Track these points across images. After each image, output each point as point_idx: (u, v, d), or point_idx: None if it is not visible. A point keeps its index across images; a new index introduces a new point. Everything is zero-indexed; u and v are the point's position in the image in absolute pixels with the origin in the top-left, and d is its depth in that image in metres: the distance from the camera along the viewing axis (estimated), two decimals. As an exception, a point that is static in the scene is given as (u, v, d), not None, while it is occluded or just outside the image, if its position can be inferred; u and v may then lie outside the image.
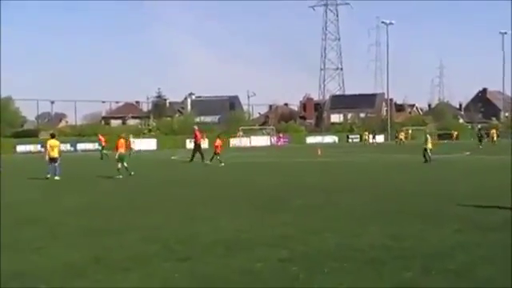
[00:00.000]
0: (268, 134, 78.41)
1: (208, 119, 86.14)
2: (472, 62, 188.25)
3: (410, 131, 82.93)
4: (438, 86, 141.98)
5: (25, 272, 7.68)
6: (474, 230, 10.03)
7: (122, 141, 23.97)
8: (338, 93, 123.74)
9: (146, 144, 60.92)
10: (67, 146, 51.02)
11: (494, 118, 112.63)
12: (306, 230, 10.36)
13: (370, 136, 75.67)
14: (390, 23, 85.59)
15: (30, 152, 52.34)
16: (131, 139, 37.72)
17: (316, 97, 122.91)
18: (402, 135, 70.30)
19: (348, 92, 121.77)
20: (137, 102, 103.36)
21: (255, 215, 12.33)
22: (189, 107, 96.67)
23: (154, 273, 7.53)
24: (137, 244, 9.31)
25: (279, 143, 73.25)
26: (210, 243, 9.23)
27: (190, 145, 39.66)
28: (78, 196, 16.82)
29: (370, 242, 9.16)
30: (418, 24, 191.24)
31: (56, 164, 22.66)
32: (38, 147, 52.13)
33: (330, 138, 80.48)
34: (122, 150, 23.44)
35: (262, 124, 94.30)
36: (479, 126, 77.56)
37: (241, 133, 73.52)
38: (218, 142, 31.34)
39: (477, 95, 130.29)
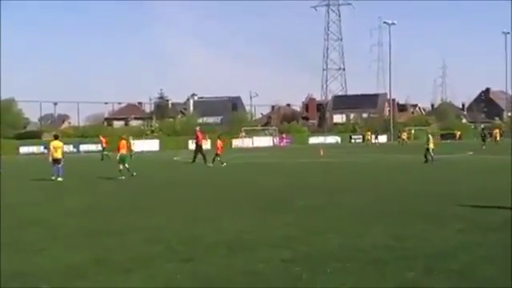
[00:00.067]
0: (270, 134, 78.42)
1: (210, 120, 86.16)
2: (475, 62, 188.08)
3: (412, 131, 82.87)
4: (440, 86, 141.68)
5: (27, 273, 7.69)
6: (476, 230, 10.01)
7: (123, 142, 24.01)
8: (340, 93, 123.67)
9: (149, 145, 60.97)
10: (70, 148, 51.08)
11: (497, 118, 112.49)
12: (309, 230, 10.35)
13: (373, 136, 75.64)
14: (392, 23, 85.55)
15: (33, 153, 52.43)
16: (131, 141, 37.69)
17: (318, 97, 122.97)
18: (404, 135, 70.24)
19: (350, 92, 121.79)
20: (139, 103, 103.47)
21: (258, 216, 12.32)
22: (191, 108, 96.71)
23: (157, 274, 7.52)
24: (139, 245, 9.30)
25: (282, 144, 73.24)
26: (213, 244, 9.22)
27: (192, 146, 39.69)
28: (80, 197, 16.83)
29: (373, 242, 9.14)
30: (421, 24, 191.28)
31: (59, 165, 22.69)
32: (41, 149, 52.22)
33: (332, 139, 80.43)
34: (123, 151, 23.47)
35: (264, 125, 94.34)
36: (482, 126, 77.50)
37: (243, 133, 73.55)
38: (219, 142, 31.38)
39: (480, 95, 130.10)
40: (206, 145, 36.65)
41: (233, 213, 12.88)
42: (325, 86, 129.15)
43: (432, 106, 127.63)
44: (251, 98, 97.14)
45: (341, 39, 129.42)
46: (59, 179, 22.12)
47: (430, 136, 31.29)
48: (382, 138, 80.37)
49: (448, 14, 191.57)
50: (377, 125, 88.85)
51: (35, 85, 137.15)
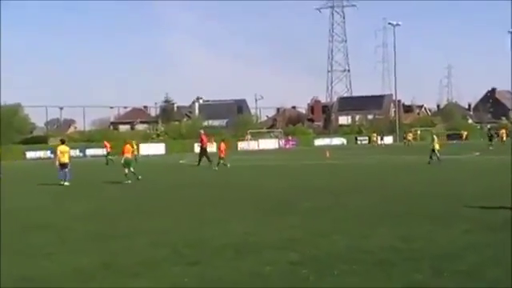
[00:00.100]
0: (276, 137, 78.37)
1: (216, 123, 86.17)
2: (480, 62, 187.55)
3: (418, 132, 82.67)
4: (446, 87, 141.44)
5: (35, 277, 7.72)
6: (484, 231, 9.99)
7: (128, 146, 24.03)
8: (345, 95, 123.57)
9: (155, 148, 61.07)
10: (76, 152, 51.13)
11: (503, 118, 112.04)
12: (315, 232, 10.35)
13: (378, 137, 75.51)
14: (397, 24, 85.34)
15: (40, 158, 52.56)
16: (134, 145, 37.76)
17: (324, 99, 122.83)
18: (410, 136, 70.08)
19: (355, 94, 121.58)
20: (145, 107, 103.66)
21: (264, 218, 12.33)
22: (196, 111, 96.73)
23: (164, 277, 7.54)
24: (145, 248, 9.33)
25: (288, 146, 73.21)
26: (219, 247, 9.23)
27: (198, 149, 39.75)
28: (87, 201, 16.88)
29: (380, 243, 9.14)
30: (425, 24, 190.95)
31: (66, 170, 22.78)
32: (48, 153, 52.35)
33: (338, 140, 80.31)
34: (127, 155, 23.50)
35: (269, 127, 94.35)
36: (488, 126, 77.20)
37: (249, 136, 73.55)
38: (222, 145, 31.49)
39: (485, 95, 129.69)
40: (212, 148, 36.64)
41: (239, 215, 12.89)
42: (330, 88, 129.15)
43: (438, 106, 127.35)
44: (256, 100, 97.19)
45: (345, 41, 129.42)
46: (66, 183, 22.19)
47: (434, 137, 31.25)
48: (388, 139, 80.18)
49: (453, 14, 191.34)
50: (382, 126, 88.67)
51: (41, 90, 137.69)
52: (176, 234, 10.58)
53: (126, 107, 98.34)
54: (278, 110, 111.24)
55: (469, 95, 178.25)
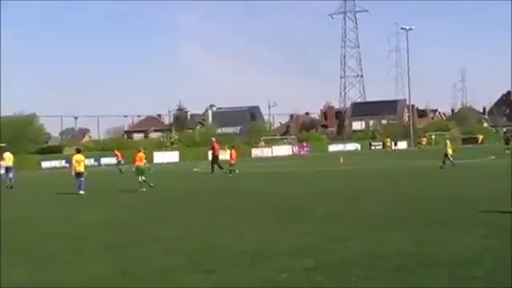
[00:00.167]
0: (290, 143, 78.31)
1: (229, 130, 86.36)
2: (495, 65, 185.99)
3: (433, 137, 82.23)
4: (460, 91, 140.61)
5: (52, 286, 7.77)
6: (500, 236, 9.87)
7: (140, 154, 24.07)
8: (358, 100, 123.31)
9: (169, 156, 61.32)
10: (91, 161, 51.46)
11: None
12: (330, 238, 10.33)
13: (392, 143, 75.20)
14: (410, 29, 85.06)
15: (55, 168, 52.95)
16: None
17: (337, 105, 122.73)
18: (424, 141, 69.74)
19: (369, 99, 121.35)
20: (158, 115, 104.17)
21: (278, 225, 12.32)
22: (210, 119, 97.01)
23: (180, 285, 7.55)
24: (160, 256, 9.34)
25: (302, 152, 73.12)
26: (234, 254, 9.24)
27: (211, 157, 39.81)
28: (101, 210, 16.97)
29: (395, 249, 9.09)
30: (439, 28, 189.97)
31: (81, 179, 22.94)
32: (63, 163, 52.73)
33: (352, 146, 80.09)
34: (139, 163, 23.55)
35: (283, 134, 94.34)
36: (504, 130, 76.61)
37: (262, 143, 73.57)
38: (233, 152, 31.56)
39: (501, 98, 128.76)
40: (225, 155, 36.70)
41: (253, 222, 12.89)
42: (343, 94, 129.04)
43: (452, 110, 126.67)
44: (269, 107, 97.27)
45: (358, 46, 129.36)
46: (81, 192, 22.34)
47: (447, 141, 31.10)
48: (402, 144, 79.85)
49: (466, 18, 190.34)
50: (396, 131, 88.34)
51: (55, 99, 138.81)
52: (191, 242, 10.60)
53: (139, 116, 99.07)
54: (292, 116, 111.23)
55: (484, 99, 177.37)
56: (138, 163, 23.65)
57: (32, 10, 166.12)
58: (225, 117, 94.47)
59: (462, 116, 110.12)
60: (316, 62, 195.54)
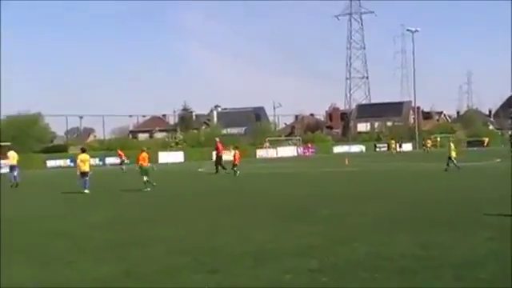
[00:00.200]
0: (294, 144, 78.28)
1: (234, 131, 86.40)
2: (501, 68, 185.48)
3: (438, 139, 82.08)
4: (466, 93, 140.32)
5: (56, 286, 7.78)
6: (505, 238, 9.82)
7: (143, 154, 24.11)
8: (364, 102, 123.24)
9: (174, 157, 61.43)
10: (96, 161, 51.60)
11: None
12: (335, 239, 10.30)
13: (397, 145, 75.09)
14: (416, 31, 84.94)
15: (60, 167, 53.11)
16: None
17: (342, 106, 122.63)
18: (429, 143, 69.59)
19: (374, 100, 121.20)
20: (163, 116, 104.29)
21: (283, 225, 12.31)
22: (215, 119, 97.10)
23: (184, 286, 7.54)
24: (165, 256, 9.34)
25: (306, 153, 73.07)
26: (239, 254, 9.22)
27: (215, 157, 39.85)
28: (105, 209, 16.99)
29: (400, 250, 9.07)
30: (444, 30, 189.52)
31: (86, 178, 23.00)
32: (68, 162, 52.90)
33: (357, 148, 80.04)
34: (143, 163, 23.58)
35: (288, 134, 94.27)
36: (510, 133, 76.33)
37: (267, 144, 73.56)
38: (237, 153, 31.57)
39: (507, 101, 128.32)
40: (230, 155, 36.73)
41: (257, 223, 12.88)
42: (348, 95, 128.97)
43: (458, 113, 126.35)
44: (275, 108, 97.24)
45: (364, 47, 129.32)
46: (86, 191, 22.39)
47: (451, 144, 31.03)
48: (407, 146, 79.72)
49: (472, 20, 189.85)
50: (401, 133, 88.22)
51: (61, 99, 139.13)
52: (195, 242, 10.60)
53: (144, 116, 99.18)
54: (297, 117, 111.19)
55: (489, 101, 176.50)
56: (141, 163, 23.69)
57: (38, 10, 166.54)
58: (230, 117, 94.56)
59: (467, 118, 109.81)
60: (321, 64, 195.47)
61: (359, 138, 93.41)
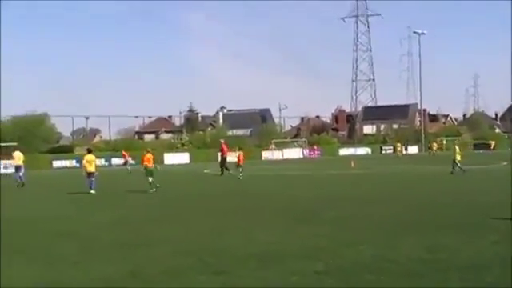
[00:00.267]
0: (300, 146, 78.23)
1: (240, 132, 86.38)
2: (508, 71, 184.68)
3: (444, 142, 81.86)
4: (472, 96, 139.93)
5: (63, 286, 7.79)
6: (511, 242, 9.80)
7: (148, 155, 24.12)
8: (370, 104, 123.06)
9: (179, 158, 61.47)
10: (102, 161, 51.73)
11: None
12: (340, 241, 10.28)
13: (403, 147, 74.91)
14: (422, 33, 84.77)
15: (66, 167, 53.27)
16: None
17: (348, 108, 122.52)
18: (434, 146, 69.43)
19: (380, 103, 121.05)
20: (169, 117, 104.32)
21: (288, 227, 12.29)
22: (221, 121, 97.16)
23: (189, 287, 7.54)
24: (170, 257, 9.34)
25: (313, 155, 73.01)
26: (244, 256, 9.22)
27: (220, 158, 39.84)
28: (111, 210, 17.02)
29: (406, 253, 9.04)
30: (451, 33, 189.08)
31: (93, 178, 23.06)
32: (74, 162, 53.04)
33: (362, 150, 79.91)
34: (148, 164, 23.60)
35: (293, 136, 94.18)
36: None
37: (273, 146, 73.54)
38: (240, 154, 31.55)
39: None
40: (235, 157, 36.74)
41: (263, 224, 12.87)
42: (354, 97, 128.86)
43: (464, 115, 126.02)
44: (280, 110, 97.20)
45: (370, 50, 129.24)
46: (92, 191, 22.46)
47: (456, 147, 30.96)
48: (413, 149, 79.54)
49: (479, 23, 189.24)
50: (407, 135, 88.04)
51: (67, 99, 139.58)
52: (200, 243, 10.60)
53: (150, 117, 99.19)
54: (302, 119, 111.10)
55: (496, 104, 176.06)
56: (146, 164, 23.73)
57: (42, 10, 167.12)
58: (235, 119, 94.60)
59: (473, 121, 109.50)
60: (328, 66, 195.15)
61: (365, 140, 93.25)
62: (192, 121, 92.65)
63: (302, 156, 72.33)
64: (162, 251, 9.87)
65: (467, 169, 29.47)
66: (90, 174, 23.19)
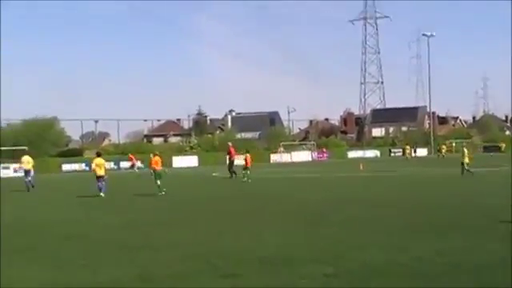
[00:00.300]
0: (309, 149, 78.14)
1: (249, 135, 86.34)
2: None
3: (453, 144, 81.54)
4: (482, 98, 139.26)
5: (70, 289, 7.80)
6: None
7: (156, 158, 24.13)
8: (378, 106, 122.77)
9: (188, 161, 61.53)
10: (111, 165, 51.83)
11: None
12: (350, 244, 10.23)
13: (412, 150, 74.64)
14: (431, 35, 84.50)
15: (76, 171, 53.43)
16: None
17: (357, 111, 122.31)
18: (443, 148, 69.16)
19: (389, 105, 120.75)
20: (178, 120, 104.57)
21: (297, 230, 12.25)
22: (229, 124, 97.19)
23: (198, 289, 7.52)
24: (179, 260, 9.31)
25: (321, 158, 72.89)
26: (253, 259, 9.18)
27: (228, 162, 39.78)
28: (120, 213, 17.03)
29: (416, 256, 8.97)
30: (460, 35, 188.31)
31: (103, 182, 23.13)
32: (83, 166, 53.22)
33: (371, 153, 79.70)
34: (156, 167, 23.60)
35: (302, 139, 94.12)
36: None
37: (281, 148, 73.50)
38: (247, 156, 31.52)
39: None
40: (242, 160, 36.72)
41: (272, 227, 12.82)
42: (363, 100, 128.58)
43: (474, 118, 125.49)
44: (289, 112, 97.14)
45: (378, 52, 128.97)
46: (101, 194, 22.54)
47: (464, 150, 30.81)
48: (422, 152, 79.23)
49: (488, 25, 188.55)
50: (416, 138, 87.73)
51: (76, 103, 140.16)
52: (209, 246, 10.57)
53: (159, 120, 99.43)
54: (311, 122, 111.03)
55: (506, 106, 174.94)
56: (154, 167, 23.75)
57: (46, 10, 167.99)
58: (244, 122, 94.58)
59: (483, 124, 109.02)
60: (336, 68, 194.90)
61: (374, 143, 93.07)
62: (201, 124, 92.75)
63: (310, 159, 72.22)
64: (171, 254, 9.84)
65: (477, 171, 29.29)
66: (99, 178, 23.25)
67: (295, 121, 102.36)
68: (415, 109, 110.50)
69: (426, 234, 11.13)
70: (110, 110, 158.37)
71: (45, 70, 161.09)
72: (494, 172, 33.24)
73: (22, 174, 30.62)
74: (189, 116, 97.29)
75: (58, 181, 38.80)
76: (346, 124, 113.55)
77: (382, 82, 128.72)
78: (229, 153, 35.19)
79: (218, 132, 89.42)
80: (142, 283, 7.89)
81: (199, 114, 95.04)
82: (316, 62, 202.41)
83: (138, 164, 48.20)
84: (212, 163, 59.28)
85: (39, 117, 65.22)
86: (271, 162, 66.87)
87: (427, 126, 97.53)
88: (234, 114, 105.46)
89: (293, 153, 73.24)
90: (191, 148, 73.27)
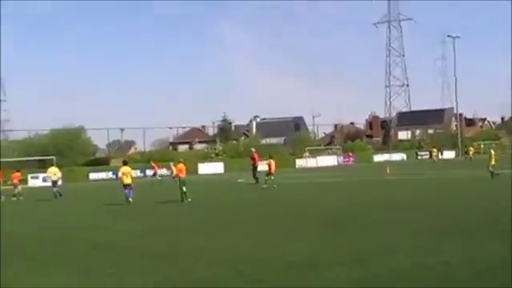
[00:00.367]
0: (334, 153, 77.80)
1: (274, 141, 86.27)
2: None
3: (481, 146, 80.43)
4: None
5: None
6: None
7: (180, 165, 24.20)
8: (404, 109, 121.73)
9: (214, 168, 61.73)
10: (137, 173, 52.25)
11: None
12: (377, 248, 10.14)
13: (439, 152, 73.83)
14: (457, 37, 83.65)
15: (103, 179, 53.95)
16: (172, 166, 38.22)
17: (382, 114, 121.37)
18: (471, 150, 68.29)
19: (415, 108, 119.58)
20: (203, 127, 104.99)
21: (324, 235, 12.19)
22: (254, 130, 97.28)
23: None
24: (205, 267, 9.32)
25: (348, 162, 72.51)
26: (279, 264, 9.15)
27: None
28: (146, 220, 17.12)
29: (443, 260, 8.86)
30: (485, 35, 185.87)
31: (130, 189, 23.40)
32: (110, 174, 53.70)
33: (398, 156, 79.03)
34: (181, 175, 23.68)
35: (327, 144, 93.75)
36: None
37: (307, 153, 73.29)
38: (271, 162, 31.40)
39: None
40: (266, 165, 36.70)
41: (299, 232, 12.78)
42: (388, 103, 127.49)
43: (502, 119, 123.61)
44: (314, 117, 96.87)
45: (403, 55, 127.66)
46: (130, 199, 22.87)
47: (491, 151, 30.39)
48: (450, 154, 78.33)
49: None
50: (443, 140, 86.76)
51: (102, 112, 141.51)
52: (235, 252, 10.56)
53: (184, 127, 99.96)
54: (336, 126, 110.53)
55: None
56: (179, 174, 23.85)
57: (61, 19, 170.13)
58: (269, 127, 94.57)
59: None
60: (360, 72, 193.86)
61: (400, 146, 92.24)
62: (225, 130, 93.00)
63: (336, 163, 71.89)
64: (199, 261, 9.85)
65: (504, 173, 28.83)
66: (126, 186, 23.47)
67: (320, 125, 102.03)
68: (441, 111, 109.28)
69: (454, 238, 10.98)
70: (135, 119, 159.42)
71: (69, 78, 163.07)
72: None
73: (50, 183, 31.11)
74: (213, 123, 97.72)
75: (85, 190, 39.22)
76: (371, 128, 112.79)
77: (408, 85, 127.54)
78: (252, 158, 35.17)
79: (242, 138, 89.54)
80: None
81: (224, 120, 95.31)
82: (340, 66, 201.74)
83: (162, 171, 48.48)
84: (237, 169, 59.36)
85: (66, 126, 66.11)
86: (296, 167, 66.71)
87: (454, 127, 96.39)
88: (258, 119, 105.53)
89: (318, 157, 72.98)
90: (216, 155, 73.48)
